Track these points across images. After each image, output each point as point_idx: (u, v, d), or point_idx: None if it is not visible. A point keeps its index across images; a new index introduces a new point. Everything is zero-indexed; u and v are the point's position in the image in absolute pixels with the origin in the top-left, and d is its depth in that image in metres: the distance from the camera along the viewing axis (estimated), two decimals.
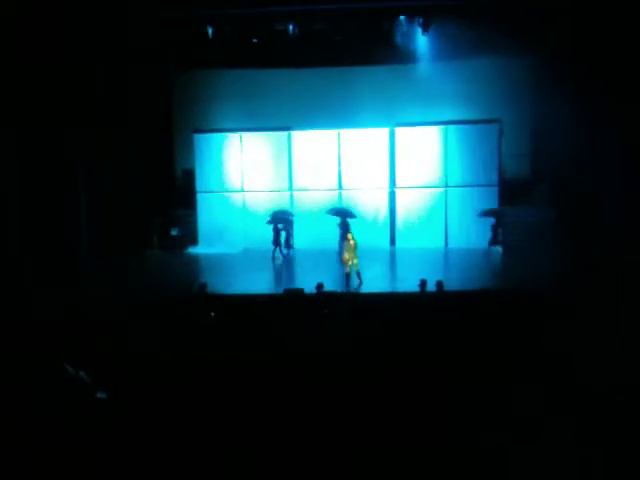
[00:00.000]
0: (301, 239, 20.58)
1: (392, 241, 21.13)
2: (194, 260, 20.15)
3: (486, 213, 20.08)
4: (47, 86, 15.60)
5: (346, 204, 20.75)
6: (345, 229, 20.05)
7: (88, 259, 17.52)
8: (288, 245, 19.97)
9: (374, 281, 15.86)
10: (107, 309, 11.61)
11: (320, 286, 13.13)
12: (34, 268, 15.08)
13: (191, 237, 21.38)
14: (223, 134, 21.60)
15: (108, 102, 18.28)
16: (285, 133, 21.32)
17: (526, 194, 20.16)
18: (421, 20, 18.07)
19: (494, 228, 19.81)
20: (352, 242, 15.74)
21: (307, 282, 13.83)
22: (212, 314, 12.10)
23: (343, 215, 19.62)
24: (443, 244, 20.65)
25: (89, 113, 17.59)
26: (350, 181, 21.21)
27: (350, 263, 15.72)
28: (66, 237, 16.74)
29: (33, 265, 15.17)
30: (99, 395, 7.40)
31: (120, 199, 19.13)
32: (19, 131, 15.17)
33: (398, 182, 21.09)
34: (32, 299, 12.66)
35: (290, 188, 21.42)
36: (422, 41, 18.90)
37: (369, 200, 21.17)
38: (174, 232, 20.85)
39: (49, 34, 15.18)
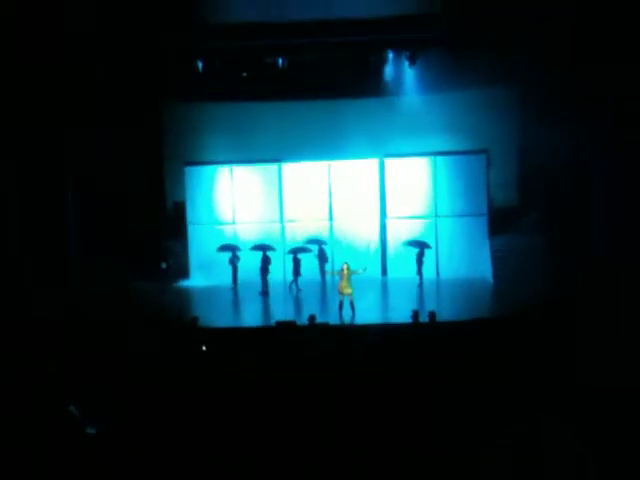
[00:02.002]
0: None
1: (384, 271, 21.13)
2: (185, 293, 20.03)
3: (410, 243, 20.16)
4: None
5: (268, 238, 20.76)
6: (322, 259, 20.13)
7: (77, 288, 17.51)
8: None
9: (366, 312, 15.81)
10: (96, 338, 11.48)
11: (312, 318, 13.05)
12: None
13: (182, 269, 21.27)
14: (214, 166, 21.69)
15: (104, 117, 18.39)
16: (275, 165, 21.44)
17: (515, 223, 20.28)
18: (408, 53, 18.44)
19: (418, 258, 19.76)
20: (346, 272, 15.70)
21: (300, 313, 13.81)
22: (204, 348, 11.99)
23: (263, 249, 19.47)
24: (434, 274, 20.64)
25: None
26: (341, 212, 21.29)
27: (344, 293, 15.67)
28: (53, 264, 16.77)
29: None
30: (89, 430, 7.29)
31: (111, 229, 19.13)
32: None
33: (388, 212, 21.19)
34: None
35: (281, 220, 21.45)
36: (409, 73, 19.24)
37: (360, 231, 21.24)
38: (164, 264, 20.71)
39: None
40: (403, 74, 19.43)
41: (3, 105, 15.04)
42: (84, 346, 10.23)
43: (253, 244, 20.13)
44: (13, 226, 15.61)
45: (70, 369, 8.84)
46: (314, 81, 19.71)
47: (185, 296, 19.69)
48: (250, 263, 19.63)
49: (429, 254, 20.32)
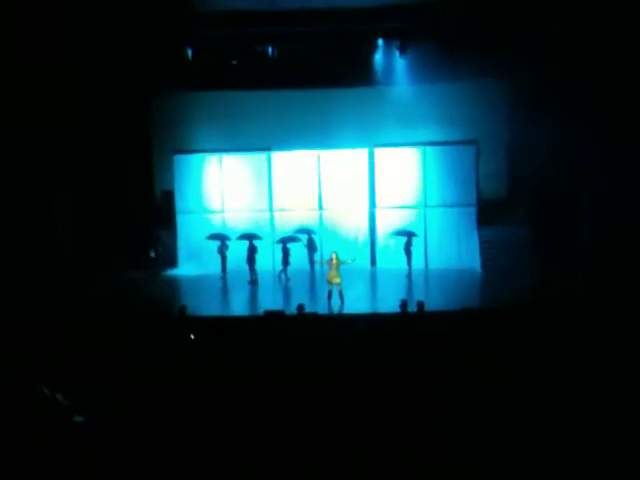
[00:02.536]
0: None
1: (372, 261, 21.17)
2: (173, 281, 19.98)
3: (397, 233, 20.25)
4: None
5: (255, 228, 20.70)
6: (311, 248, 20.16)
7: (65, 277, 17.48)
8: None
9: (355, 301, 15.85)
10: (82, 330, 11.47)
11: (301, 307, 13.07)
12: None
13: (171, 258, 21.21)
14: (203, 155, 21.58)
15: (93, 107, 18.29)
16: (265, 154, 21.36)
17: (503, 214, 20.37)
18: (398, 43, 18.41)
19: (406, 247, 19.85)
20: (335, 262, 15.72)
21: (288, 303, 13.85)
22: (192, 336, 11.98)
23: (249, 238, 19.49)
24: (423, 264, 20.70)
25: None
26: (330, 201, 21.27)
27: (332, 283, 15.70)
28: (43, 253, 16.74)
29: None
30: (76, 419, 7.28)
31: (101, 218, 19.07)
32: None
33: (378, 202, 21.19)
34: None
35: (270, 208, 21.41)
36: (400, 63, 19.21)
37: (349, 220, 21.23)
38: (153, 253, 20.63)
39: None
40: (393, 64, 19.39)
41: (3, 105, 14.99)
42: (78, 345, 10.22)
43: (241, 233, 20.11)
44: (13, 226, 15.57)
45: (67, 368, 8.81)
46: (304, 70, 19.63)
47: (173, 285, 19.64)
48: (239, 252, 19.60)
49: (418, 244, 20.39)
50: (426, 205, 20.97)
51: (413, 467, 6.64)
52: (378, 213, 21.20)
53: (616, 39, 14.31)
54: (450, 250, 20.64)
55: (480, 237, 20.30)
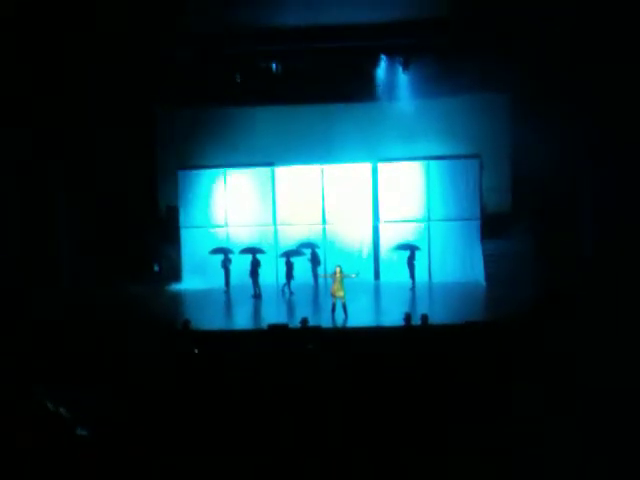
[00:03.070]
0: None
1: (376, 275, 21.17)
2: (177, 295, 20.00)
3: (399, 247, 20.24)
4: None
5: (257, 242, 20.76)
6: (315, 262, 20.17)
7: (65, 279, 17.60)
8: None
9: (359, 315, 15.82)
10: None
11: (305, 321, 13.04)
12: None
13: (175, 272, 21.25)
14: (207, 170, 21.68)
15: (98, 122, 18.42)
16: (269, 169, 21.46)
17: (507, 227, 20.36)
18: (401, 59, 18.57)
19: (409, 261, 19.83)
20: (339, 275, 15.72)
21: (292, 316, 13.83)
22: (196, 351, 11.97)
23: (253, 252, 19.47)
24: (427, 278, 20.68)
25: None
26: (334, 216, 21.32)
27: (336, 296, 15.69)
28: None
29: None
30: (79, 432, 7.27)
31: (105, 230, 19.17)
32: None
33: (381, 216, 21.23)
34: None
35: (274, 223, 21.47)
36: (403, 79, 19.37)
37: (353, 234, 21.27)
38: (157, 267, 20.68)
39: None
40: (396, 79, 19.55)
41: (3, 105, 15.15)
42: (78, 347, 10.28)
43: (244, 247, 20.16)
44: (13, 226, 15.68)
45: (67, 369, 8.86)
46: (307, 85, 19.79)
47: (177, 299, 19.65)
48: (243, 266, 19.61)
49: (422, 258, 20.37)
50: (430, 219, 21.00)
51: (413, 467, 6.63)
52: (382, 227, 21.23)
53: (616, 39, 14.34)
54: (454, 263, 20.63)
55: (484, 250, 20.29)
